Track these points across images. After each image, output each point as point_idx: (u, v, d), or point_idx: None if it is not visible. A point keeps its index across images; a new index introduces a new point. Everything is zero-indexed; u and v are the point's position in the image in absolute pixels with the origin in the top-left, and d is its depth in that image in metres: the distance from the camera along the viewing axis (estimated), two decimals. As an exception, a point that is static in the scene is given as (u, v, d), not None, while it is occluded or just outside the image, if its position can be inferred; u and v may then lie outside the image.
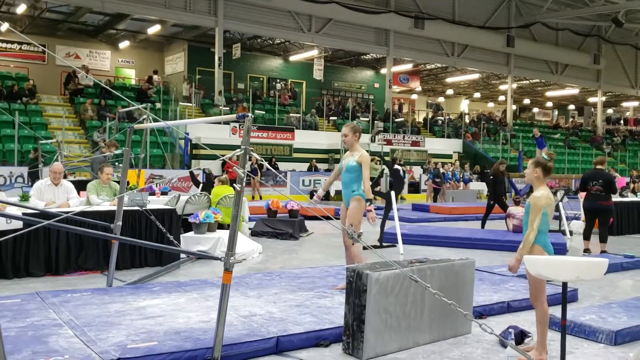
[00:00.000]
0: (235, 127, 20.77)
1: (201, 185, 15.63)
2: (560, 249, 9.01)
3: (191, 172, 16.99)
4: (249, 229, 10.39)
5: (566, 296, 3.61)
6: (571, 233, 11.42)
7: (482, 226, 11.27)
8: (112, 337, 3.94)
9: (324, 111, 25.63)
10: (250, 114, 3.90)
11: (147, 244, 5.91)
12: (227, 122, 21.68)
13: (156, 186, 14.00)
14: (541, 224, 4.01)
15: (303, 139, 22.65)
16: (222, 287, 3.76)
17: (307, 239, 10.40)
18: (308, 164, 21.78)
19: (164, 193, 10.87)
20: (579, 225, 11.85)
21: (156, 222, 6.63)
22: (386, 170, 10.43)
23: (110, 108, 19.53)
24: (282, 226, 10.46)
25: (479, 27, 28.40)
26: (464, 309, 4.56)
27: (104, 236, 5.36)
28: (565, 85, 35.14)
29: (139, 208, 6.80)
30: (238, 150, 3.85)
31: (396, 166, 11.45)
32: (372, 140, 23.43)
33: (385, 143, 23.53)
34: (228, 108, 22.05)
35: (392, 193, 8.96)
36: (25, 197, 6.50)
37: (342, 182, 5.89)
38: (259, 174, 19.74)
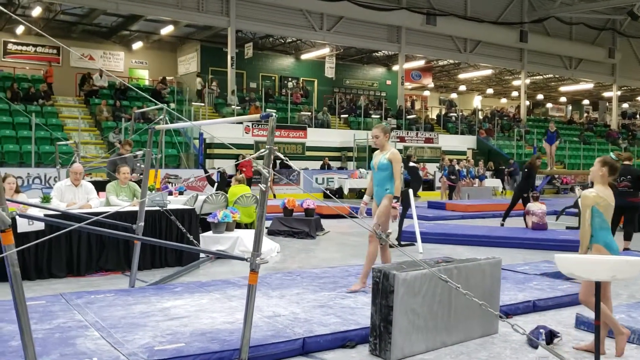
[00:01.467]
0: (249, 126, 20.79)
1: (216, 184, 15.68)
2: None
3: (205, 171, 17.09)
4: (266, 228, 10.38)
5: (599, 296, 3.54)
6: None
7: (504, 219, 11.14)
8: (139, 339, 3.94)
9: (336, 109, 25.59)
10: (274, 114, 3.88)
11: (171, 244, 5.92)
12: (240, 122, 21.74)
13: (172, 186, 14.09)
14: (601, 222, 3.95)
15: (315, 137, 22.63)
16: (249, 288, 3.73)
17: (324, 237, 10.37)
18: (321, 162, 21.77)
19: (179, 193, 10.90)
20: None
21: (176, 222, 6.64)
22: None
23: (125, 109, 19.61)
24: (298, 225, 10.43)
25: (492, 22, 28.23)
26: (491, 309, 4.53)
27: (128, 237, 5.35)
28: (579, 80, 34.84)
29: (160, 208, 6.80)
30: (263, 150, 3.83)
31: (411, 164, 11.36)
32: (386, 137, 23.34)
33: (398, 140, 23.44)
34: (240, 107, 22.07)
35: (410, 191, 8.89)
36: (46, 199, 6.53)
37: (375, 181, 5.82)
38: (272, 172, 19.75)
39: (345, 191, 19.87)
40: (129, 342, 3.86)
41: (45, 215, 6.16)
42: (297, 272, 6.51)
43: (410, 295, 4.03)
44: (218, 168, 18.45)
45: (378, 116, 25.86)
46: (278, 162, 20.82)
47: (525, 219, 10.58)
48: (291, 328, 4.25)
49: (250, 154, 19.96)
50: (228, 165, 19.37)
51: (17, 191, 6.91)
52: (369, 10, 24.43)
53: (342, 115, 25.76)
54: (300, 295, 5.33)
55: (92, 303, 4.88)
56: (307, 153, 22.29)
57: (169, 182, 16.19)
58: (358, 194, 20.48)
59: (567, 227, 11.26)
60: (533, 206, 10.41)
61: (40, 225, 6.29)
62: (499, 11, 29.14)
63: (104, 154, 17.14)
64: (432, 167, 22.96)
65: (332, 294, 5.39)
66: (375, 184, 5.82)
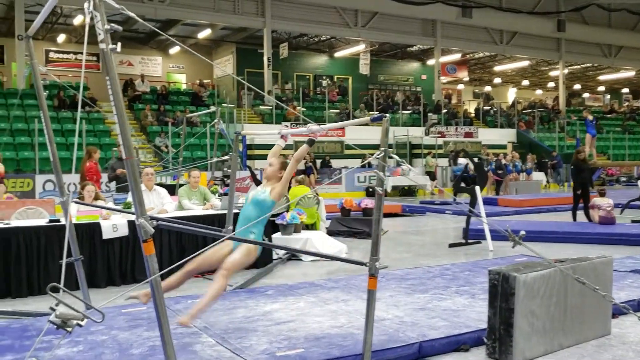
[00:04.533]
0: (286, 126, 20.78)
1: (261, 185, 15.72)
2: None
3: (251, 171, 17.11)
4: (325, 228, 10.33)
5: None
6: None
7: (574, 218, 10.93)
8: (256, 345, 3.92)
9: (373, 106, 25.45)
10: (387, 115, 3.82)
11: (280, 246, 5.91)
12: (278, 122, 21.79)
13: (220, 188, 14.16)
14: None
15: (353, 135, 22.51)
16: (369, 294, 3.72)
17: (385, 237, 10.25)
18: (360, 160, 21.66)
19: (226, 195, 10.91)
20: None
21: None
22: (470, 165, 10.23)
23: (168, 113, 19.78)
24: (357, 225, 10.38)
25: (528, 12, 27.78)
26: (605, 309, 4.42)
27: (217, 235, 5.32)
28: (619, 68, 34.08)
29: (239, 210, 6.77)
30: (378, 152, 3.77)
31: (465, 159, 11.22)
32: (427, 133, 23.18)
33: (439, 135, 23.23)
34: (269, 107, 22.05)
35: (477, 188, 8.76)
36: (127, 205, 6.57)
37: (240, 216, 4.48)
38: (315, 172, 19.74)
39: (389, 189, 19.70)
40: (248, 348, 3.84)
41: (129, 221, 6.22)
42: (380, 274, 6.43)
43: (530, 297, 3.93)
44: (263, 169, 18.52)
45: (409, 112, 25.63)
46: (319, 161, 20.92)
47: (590, 214, 10.34)
48: (403, 332, 4.20)
49: (291, 154, 19.97)
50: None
51: (96, 198, 6.98)
52: (404, 4, 24.24)
53: (379, 112, 25.61)
54: (395, 297, 5.27)
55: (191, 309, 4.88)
56: (346, 151, 22.21)
57: (217, 184, 16.29)
58: (401, 191, 20.35)
59: (633, 221, 10.99)
60: (599, 200, 10.19)
61: (124, 232, 6.35)
62: (535, 0, 28.65)
63: (152, 158, 17.35)
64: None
65: (426, 296, 5.32)
66: (239, 220, 4.45)
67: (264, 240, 6.95)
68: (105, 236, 6.22)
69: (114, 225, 6.27)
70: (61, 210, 4.99)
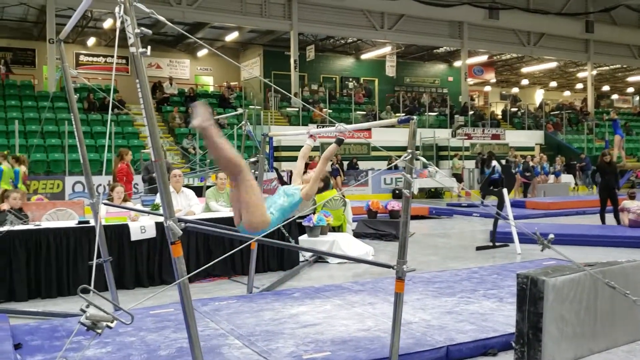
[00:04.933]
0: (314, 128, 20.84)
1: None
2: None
3: (278, 173, 17.19)
4: (352, 230, 10.32)
5: None
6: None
7: (602, 221, 10.74)
8: (282, 347, 3.93)
9: (399, 108, 25.35)
10: (414, 117, 3.80)
11: (297, 247, 5.93)
12: (304, 124, 21.85)
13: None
14: None
15: (380, 136, 22.44)
16: (395, 297, 3.72)
17: (412, 240, 10.19)
18: (386, 162, 21.58)
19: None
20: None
21: (281, 227, 6.63)
22: (498, 167, 10.13)
23: (195, 115, 19.95)
24: (384, 227, 10.34)
25: (556, 14, 27.44)
26: (635, 314, 4.33)
27: (244, 237, 5.35)
28: (649, 70, 33.46)
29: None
30: (405, 154, 3.76)
31: (495, 161, 11.09)
32: (453, 135, 23.02)
33: (466, 137, 23.04)
34: (296, 109, 22.11)
35: (504, 190, 8.67)
36: (155, 207, 6.65)
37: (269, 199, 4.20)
38: (342, 173, 19.73)
39: (415, 191, 19.59)
40: (275, 351, 3.85)
41: (157, 223, 6.30)
42: (407, 277, 6.40)
43: (559, 301, 3.87)
44: (290, 170, 18.56)
45: (435, 114, 25.49)
46: (346, 163, 20.94)
47: (620, 217, 10.16)
48: (430, 335, 4.17)
49: (318, 156, 20.03)
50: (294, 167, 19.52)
51: (125, 200, 7.07)
52: (430, 6, 24.15)
53: (406, 114, 25.50)
54: (422, 301, 5.24)
55: (220, 310, 4.93)
56: (373, 153, 22.15)
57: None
58: (428, 193, 20.23)
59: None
60: (629, 203, 10.00)
61: (152, 233, 6.42)
62: (562, 2, 28.28)
63: (180, 160, 17.53)
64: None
65: (453, 299, 5.28)
66: (266, 199, 4.08)
67: (290, 241, 7.00)
68: (133, 238, 6.30)
69: (142, 227, 6.35)
70: (90, 211, 5.07)
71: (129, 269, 6.34)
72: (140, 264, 6.40)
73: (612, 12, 28.87)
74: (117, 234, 6.29)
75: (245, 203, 3.62)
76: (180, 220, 3.31)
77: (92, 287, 2.74)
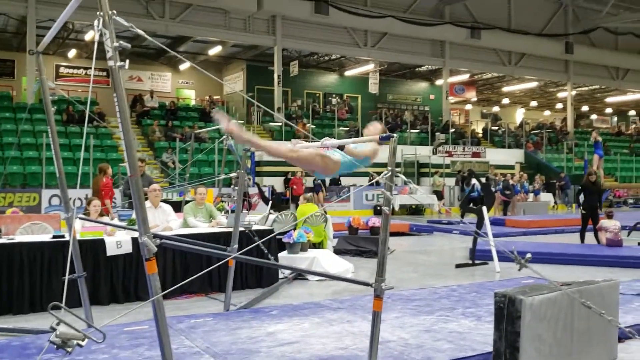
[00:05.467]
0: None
1: (270, 202, 15.68)
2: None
3: (259, 188, 17.12)
4: (332, 247, 10.28)
5: None
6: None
7: (582, 240, 10.82)
8: (258, 367, 3.87)
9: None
10: (395, 135, 3.81)
11: (276, 264, 5.86)
12: (287, 139, 21.82)
13: (227, 205, 14.14)
14: None
15: (363, 153, 22.49)
16: (374, 315, 3.69)
17: (392, 257, 10.19)
18: (368, 178, 21.62)
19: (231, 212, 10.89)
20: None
21: (260, 244, 6.58)
22: (477, 185, 10.18)
23: (177, 129, 19.86)
24: (365, 244, 10.31)
25: (536, 34, 27.87)
26: (611, 333, 4.35)
27: (222, 254, 5.30)
28: (626, 91, 34.05)
29: (245, 229, 6.77)
30: (385, 171, 3.75)
31: (474, 179, 11.16)
32: (434, 152, 23.17)
33: (447, 155, 23.20)
34: (278, 124, 22.11)
35: (484, 208, 8.71)
36: (132, 222, 6.56)
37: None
38: (324, 189, 19.72)
39: (396, 207, 19.63)
40: (250, 370, 3.79)
41: (133, 238, 6.20)
42: (386, 295, 6.37)
43: (536, 320, 3.87)
44: (271, 186, 18.52)
45: (417, 131, 25.67)
46: (328, 179, 20.93)
47: (598, 236, 10.26)
48: (408, 354, 4.14)
49: (301, 171, 20.03)
50: (276, 181, 19.51)
51: (101, 214, 6.97)
52: (413, 25, 24.40)
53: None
54: (401, 319, 5.21)
55: (195, 327, 4.85)
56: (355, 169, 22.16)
57: (223, 201, 16.29)
58: (409, 210, 20.28)
59: (640, 244, 10.89)
60: (606, 222, 10.10)
61: (128, 249, 6.33)
62: (543, 23, 28.79)
63: (158, 174, 17.37)
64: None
65: (432, 317, 5.26)
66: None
67: (269, 258, 6.93)
68: (109, 253, 6.21)
69: (118, 242, 6.26)
70: (66, 225, 4.98)
71: (104, 285, 6.23)
72: (115, 279, 6.30)
73: (590, 34, 29.46)
74: (93, 248, 6.18)
75: (316, 165, 4.13)
76: (155, 236, 3.27)
77: (63, 304, 2.68)
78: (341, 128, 24.13)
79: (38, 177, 15.88)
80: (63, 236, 6.17)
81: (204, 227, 7.43)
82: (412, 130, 25.65)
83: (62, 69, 24.34)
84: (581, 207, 10.70)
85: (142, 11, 20.02)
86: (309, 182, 19.84)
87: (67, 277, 3.76)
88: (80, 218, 6.06)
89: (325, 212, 10.48)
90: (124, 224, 6.59)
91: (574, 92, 31.60)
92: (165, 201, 11.00)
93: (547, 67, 29.67)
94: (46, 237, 6.31)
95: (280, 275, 7.60)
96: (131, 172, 3.16)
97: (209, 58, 25.61)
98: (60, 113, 18.63)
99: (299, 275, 7.85)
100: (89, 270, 5.67)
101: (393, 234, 12.63)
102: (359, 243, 10.34)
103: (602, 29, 29.24)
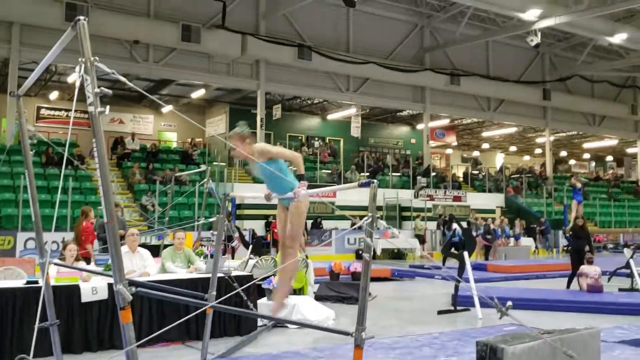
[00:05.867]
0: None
1: (251, 246, 15.54)
2: (644, 310, 8.62)
3: (239, 232, 16.96)
4: (313, 293, 10.15)
5: None
6: (646, 291, 10.92)
7: (568, 285, 10.82)
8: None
9: (363, 167, 25.61)
10: (375, 181, 3.81)
11: (254, 314, 5.75)
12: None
13: (207, 249, 13.97)
14: None
15: (345, 196, 22.51)
16: (354, 366, 3.58)
17: (373, 303, 10.07)
18: (350, 222, 21.58)
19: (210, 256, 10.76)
20: (651, 283, 11.39)
21: (240, 291, 6.47)
22: (458, 230, 10.20)
23: (157, 171, 19.77)
24: (346, 289, 10.19)
25: (514, 81, 28.52)
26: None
27: (199, 304, 5.19)
28: (603, 137, 34.77)
29: (224, 275, 6.66)
30: (366, 217, 3.74)
31: (465, 224, 11.18)
32: (416, 195, 23.29)
33: (428, 198, 23.32)
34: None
35: (465, 254, 8.69)
36: (108, 267, 6.43)
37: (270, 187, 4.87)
38: (305, 233, 19.61)
39: (378, 252, 19.57)
40: None
41: (109, 284, 6.06)
42: (367, 343, 6.27)
43: (519, 371, 3.82)
44: (251, 229, 18.38)
45: (399, 174, 25.87)
46: (310, 222, 20.85)
47: (579, 281, 10.28)
48: (389, 407, 4.03)
49: (271, 216, 19.94)
50: (257, 225, 19.39)
51: (77, 259, 6.83)
52: (394, 71, 24.84)
53: (369, 174, 25.78)
54: (382, 368, 5.11)
55: (171, 378, 4.70)
56: (337, 212, 22.14)
57: (203, 245, 16.10)
58: (391, 254, 20.22)
59: (620, 289, 10.92)
60: (587, 268, 10.13)
61: (104, 295, 6.18)
62: (520, 70, 29.51)
63: (138, 218, 17.20)
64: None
65: (414, 366, 5.17)
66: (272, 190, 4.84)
67: (250, 305, 6.81)
68: (84, 299, 6.05)
69: (93, 288, 6.11)
70: (40, 270, 4.86)
71: (78, 333, 6.06)
72: (90, 327, 6.12)
73: (567, 82, 30.26)
74: (67, 294, 6.03)
75: None
76: (131, 283, 3.21)
77: (31, 355, 2.59)
78: (323, 171, 24.25)
79: (14, 220, 15.62)
80: (37, 282, 6.02)
81: (182, 273, 7.31)
82: (394, 174, 25.83)
83: (43, 111, 24.27)
84: (570, 252, 10.75)
85: (126, 54, 20.13)
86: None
87: (37, 325, 3.65)
88: (55, 263, 5.92)
89: (306, 257, 10.39)
90: (100, 269, 6.46)
91: (552, 138, 32.19)
92: (144, 245, 10.87)
93: (526, 113, 30.26)
94: (19, 283, 6.15)
95: (260, 323, 7.46)
96: (108, 219, 3.11)
97: (192, 101, 25.75)
98: (40, 155, 18.48)
99: (279, 322, 7.70)
100: (62, 317, 5.51)
101: (375, 279, 12.51)
102: (340, 289, 10.21)
103: (578, 77, 30.06)
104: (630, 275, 11.14)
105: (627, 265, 11.25)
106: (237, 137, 4.76)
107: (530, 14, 21.80)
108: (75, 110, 24.00)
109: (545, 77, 30.03)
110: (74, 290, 6.07)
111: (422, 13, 26.07)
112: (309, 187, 4.77)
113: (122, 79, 3.63)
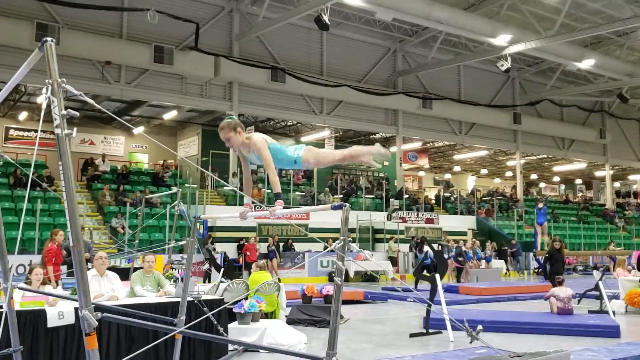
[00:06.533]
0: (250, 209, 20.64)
1: (222, 270, 15.37)
2: (612, 332, 8.72)
3: (211, 255, 16.79)
4: (285, 316, 10.05)
5: None
6: (614, 313, 11.06)
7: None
8: None
9: (337, 190, 25.67)
10: (348, 205, 3.81)
11: (223, 339, 5.64)
12: (242, 204, 21.66)
13: (177, 272, 13.78)
14: None
15: (318, 218, 22.49)
16: (325, 392, 3.53)
17: (346, 326, 10.02)
18: (324, 244, 21.51)
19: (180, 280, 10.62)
20: (619, 305, 11.56)
21: (210, 316, 6.37)
22: (430, 252, 10.23)
23: (128, 193, 19.52)
24: (318, 313, 10.11)
25: (485, 105, 29.03)
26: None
27: (167, 329, 5.09)
28: (572, 160, 35.48)
29: (194, 300, 6.55)
30: (338, 241, 3.73)
31: (436, 246, 11.20)
32: (389, 218, 23.37)
33: (401, 221, 23.42)
34: (233, 189, 22.03)
35: (437, 276, 8.72)
36: (75, 291, 6.27)
37: None
38: (278, 256, 19.51)
39: (351, 274, 19.55)
40: None
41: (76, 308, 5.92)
42: (339, 367, 6.21)
43: (490, 395, 3.81)
44: (223, 252, 18.20)
45: (373, 197, 25.99)
46: (282, 244, 20.76)
47: (550, 303, 10.36)
48: None
49: (255, 237, 19.82)
50: (229, 247, 19.22)
51: (43, 283, 6.67)
52: (367, 95, 25.10)
53: (343, 196, 25.81)
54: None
55: (138, 406, 4.57)
56: (310, 234, 22.06)
57: (173, 269, 15.88)
58: (364, 276, 20.18)
59: (590, 311, 11.04)
60: (557, 290, 10.23)
61: (70, 320, 6.03)
62: (491, 94, 30.05)
63: (107, 240, 16.90)
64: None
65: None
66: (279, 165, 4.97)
67: (220, 330, 6.71)
68: (50, 324, 5.88)
69: (60, 313, 5.95)
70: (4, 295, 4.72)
71: (43, 359, 5.88)
72: (55, 352, 5.94)
73: (537, 106, 30.91)
74: (32, 319, 5.86)
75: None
76: (97, 308, 3.14)
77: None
78: (297, 193, 24.23)
79: (-22, 243, 15.21)
80: (0, 307, 5.84)
81: (151, 297, 7.18)
82: (367, 196, 25.93)
83: (12, 131, 23.90)
84: (547, 276, 10.85)
85: (97, 75, 19.95)
86: (263, 247, 19.64)
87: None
88: (20, 288, 5.76)
89: (279, 280, 10.31)
90: (67, 293, 6.31)
91: (522, 161, 32.73)
92: (113, 268, 10.67)
93: (497, 137, 30.75)
94: (-19, 308, 5.96)
95: (230, 347, 7.34)
96: (74, 242, 3.06)
97: (164, 122, 25.60)
98: (7, 176, 18.13)
99: (250, 347, 7.59)
100: (26, 343, 5.37)
101: (347, 302, 12.50)
102: (312, 312, 10.13)
103: (548, 101, 30.75)
104: (600, 297, 11.28)
105: (597, 287, 11.39)
106: (228, 127, 4.78)
107: (501, 39, 22.28)
108: (45, 131, 23.76)
109: (515, 101, 30.63)
110: (40, 314, 5.90)
111: (395, 37, 26.43)
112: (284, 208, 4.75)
113: (90, 101, 3.61)
